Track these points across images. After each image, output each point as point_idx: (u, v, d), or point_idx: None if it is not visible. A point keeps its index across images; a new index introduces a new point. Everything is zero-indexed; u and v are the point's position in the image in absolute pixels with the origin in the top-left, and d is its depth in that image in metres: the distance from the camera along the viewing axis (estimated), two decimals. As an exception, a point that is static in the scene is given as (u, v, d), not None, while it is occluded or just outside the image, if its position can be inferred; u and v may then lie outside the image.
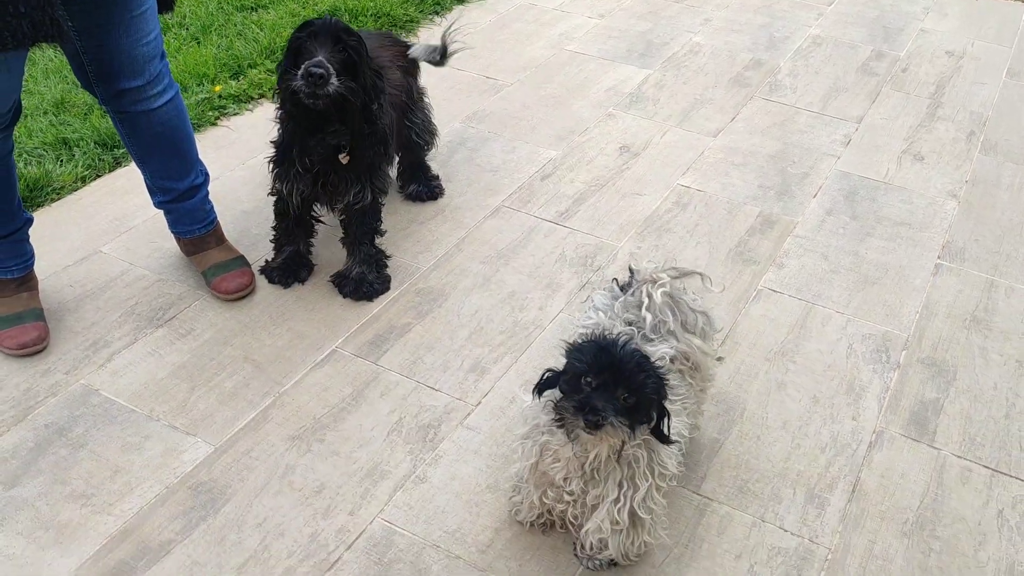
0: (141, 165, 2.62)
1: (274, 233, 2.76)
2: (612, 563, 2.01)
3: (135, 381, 2.41)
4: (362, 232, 2.68)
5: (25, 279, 2.55)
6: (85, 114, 3.42)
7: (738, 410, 2.44)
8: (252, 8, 4.25)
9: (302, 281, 2.76)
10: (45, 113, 3.43)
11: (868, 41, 4.44)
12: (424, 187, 3.13)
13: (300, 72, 2.26)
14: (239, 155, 3.35)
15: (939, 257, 3.03)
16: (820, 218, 3.19)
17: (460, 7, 4.54)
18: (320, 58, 2.26)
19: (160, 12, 2.41)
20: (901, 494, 2.24)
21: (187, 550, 2.01)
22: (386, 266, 2.80)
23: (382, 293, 2.74)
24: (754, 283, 2.88)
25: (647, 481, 1.81)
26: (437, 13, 4.44)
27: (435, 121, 3.13)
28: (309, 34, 2.32)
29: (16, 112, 2.29)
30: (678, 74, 4.04)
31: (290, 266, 2.75)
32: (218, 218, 2.81)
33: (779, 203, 3.25)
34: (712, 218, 3.15)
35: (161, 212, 2.75)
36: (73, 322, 2.59)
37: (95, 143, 3.28)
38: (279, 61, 2.50)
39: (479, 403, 2.41)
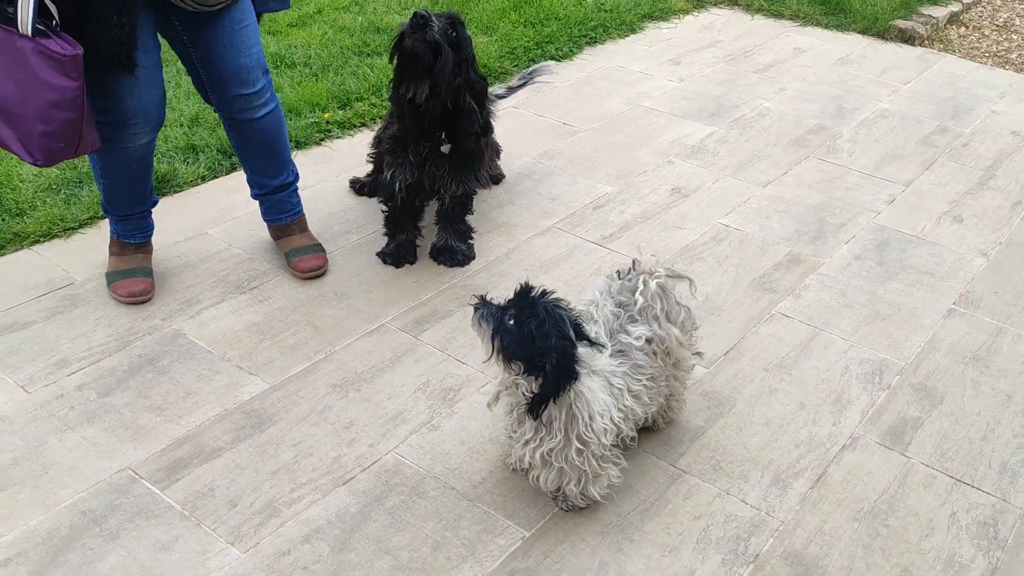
0: (243, 162, 3.15)
1: (385, 224, 3.25)
2: (575, 505, 2.31)
3: (216, 331, 2.89)
4: (456, 214, 3.17)
5: (143, 245, 3.09)
6: (213, 128, 4.03)
7: (727, 406, 2.71)
8: (368, 54, 4.84)
9: (411, 263, 3.23)
10: (181, 125, 4.05)
11: (935, 117, 4.66)
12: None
13: (409, 20, 2.68)
14: (335, 170, 3.87)
15: (954, 303, 3.23)
16: (847, 261, 3.43)
17: (553, 64, 5.01)
18: (426, 11, 2.71)
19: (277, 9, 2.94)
20: (862, 488, 2.46)
21: (233, 456, 2.44)
22: (472, 240, 3.27)
23: (471, 261, 3.23)
24: (769, 308, 3.15)
25: (560, 434, 2.12)
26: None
27: (502, 160, 3.55)
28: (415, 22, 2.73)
29: (159, 122, 2.81)
30: (742, 132, 4.38)
31: (399, 252, 3.23)
32: (305, 214, 3.30)
33: (811, 246, 3.52)
34: (744, 252, 3.45)
35: (256, 202, 3.26)
36: (175, 283, 3.10)
37: (217, 150, 3.87)
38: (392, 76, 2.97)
39: (497, 376, 2.77)
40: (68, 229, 3.34)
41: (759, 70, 5.06)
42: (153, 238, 3.16)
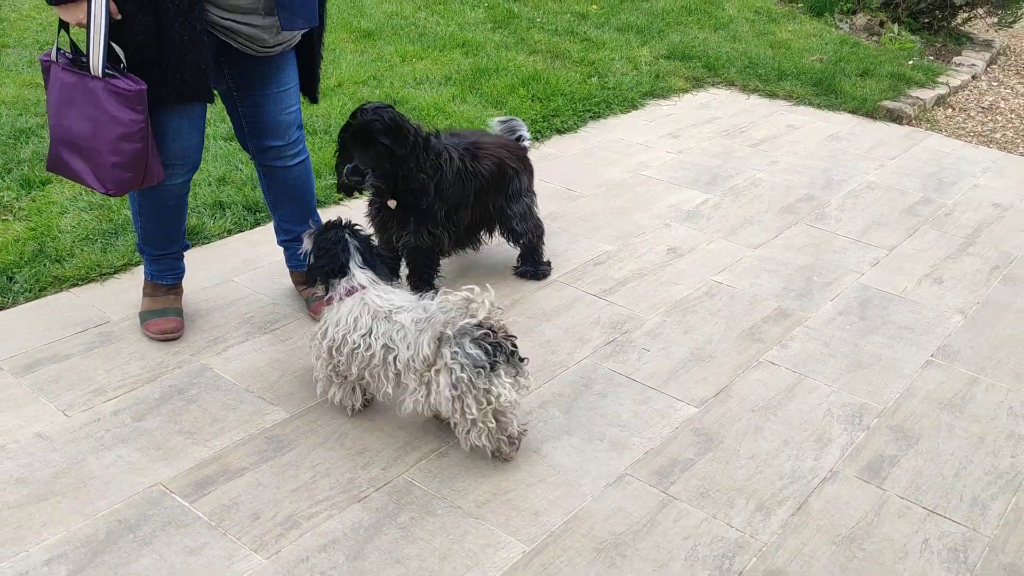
0: (272, 210, 3.42)
1: None
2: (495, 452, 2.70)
3: (240, 366, 3.11)
4: (414, 270, 3.40)
5: (174, 287, 3.33)
6: (239, 187, 4.31)
7: (716, 442, 2.91)
8: (385, 123, 5.16)
9: None
10: (209, 184, 4.34)
11: (920, 190, 4.93)
12: (531, 268, 3.78)
13: (343, 174, 3.04)
14: (352, 227, 4.13)
15: (932, 355, 3.44)
16: (831, 316, 3.66)
17: (557, 136, 5.33)
18: (354, 164, 3.02)
19: (313, 101, 3.23)
20: (840, 516, 2.64)
21: (256, 475, 2.64)
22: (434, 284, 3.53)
23: None
24: (757, 356, 3.36)
25: (322, 325, 2.81)
26: (537, 139, 5.23)
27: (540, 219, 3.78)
28: (351, 135, 3.05)
29: (195, 165, 3.08)
30: (735, 200, 4.65)
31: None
32: (325, 262, 3.55)
33: (798, 301, 3.75)
34: (734, 306, 3.68)
35: (282, 250, 3.52)
36: (203, 323, 3.33)
37: (243, 207, 4.14)
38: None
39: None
40: (104, 274, 3.58)
41: (753, 144, 5.37)
42: (184, 282, 3.40)
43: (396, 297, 2.74)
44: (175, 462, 2.67)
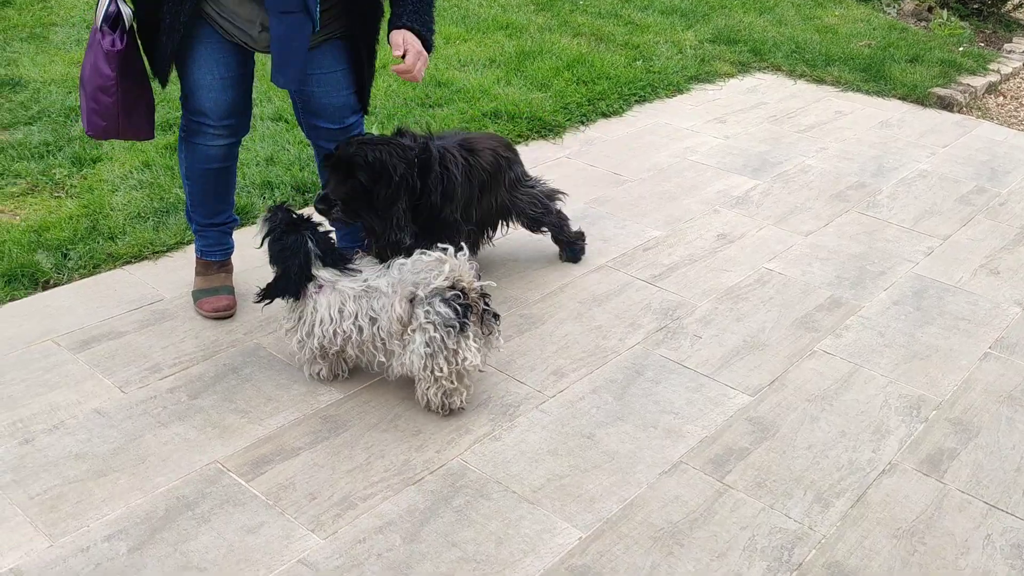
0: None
1: None
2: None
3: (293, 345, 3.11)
4: None
5: (224, 264, 3.34)
6: (287, 167, 4.31)
7: (771, 431, 2.87)
8: (430, 105, 5.15)
9: None
10: (258, 164, 4.34)
11: (973, 178, 4.84)
12: (567, 251, 3.74)
13: (315, 201, 3.04)
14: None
15: (990, 347, 3.38)
16: (886, 306, 3.60)
17: (603, 120, 5.29)
18: (325, 193, 3.00)
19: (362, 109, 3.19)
20: (900, 509, 2.60)
21: (311, 455, 2.64)
22: None
23: None
24: (811, 345, 3.32)
25: (302, 327, 2.86)
26: (583, 123, 5.19)
27: (560, 200, 3.73)
28: (331, 164, 3.01)
29: (235, 130, 3.08)
30: (784, 186, 4.59)
31: None
32: (375, 244, 3.54)
33: (851, 290, 3.69)
34: (787, 294, 3.63)
35: (332, 230, 3.50)
36: (260, 304, 3.34)
37: (292, 187, 4.14)
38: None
39: (554, 396, 2.97)
40: (156, 252, 3.60)
41: (801, 130, 5.29)
42: (234, 263, 3.40)
43: (366, 272, 2.82)
44: (231, 440, 2.68)
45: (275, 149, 4.47)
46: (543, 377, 3.04)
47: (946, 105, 5.83)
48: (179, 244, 3.65)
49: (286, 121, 4.72)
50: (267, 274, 2.91)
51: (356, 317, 2.73)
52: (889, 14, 7.59)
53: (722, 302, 3.55)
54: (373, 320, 2.72)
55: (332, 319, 2.74)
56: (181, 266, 3.51)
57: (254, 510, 2.44)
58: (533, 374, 3.05)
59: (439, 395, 2.75)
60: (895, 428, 2.92)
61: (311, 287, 2.79)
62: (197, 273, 3.32)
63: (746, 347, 3.28)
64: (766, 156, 4.92)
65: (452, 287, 2.64)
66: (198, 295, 3.26)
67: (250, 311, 3.28)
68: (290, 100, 3.23)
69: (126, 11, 2.82)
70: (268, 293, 2.84)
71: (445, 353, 2.64)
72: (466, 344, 2.66)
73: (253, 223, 3.88)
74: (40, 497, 2.44)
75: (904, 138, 5.28)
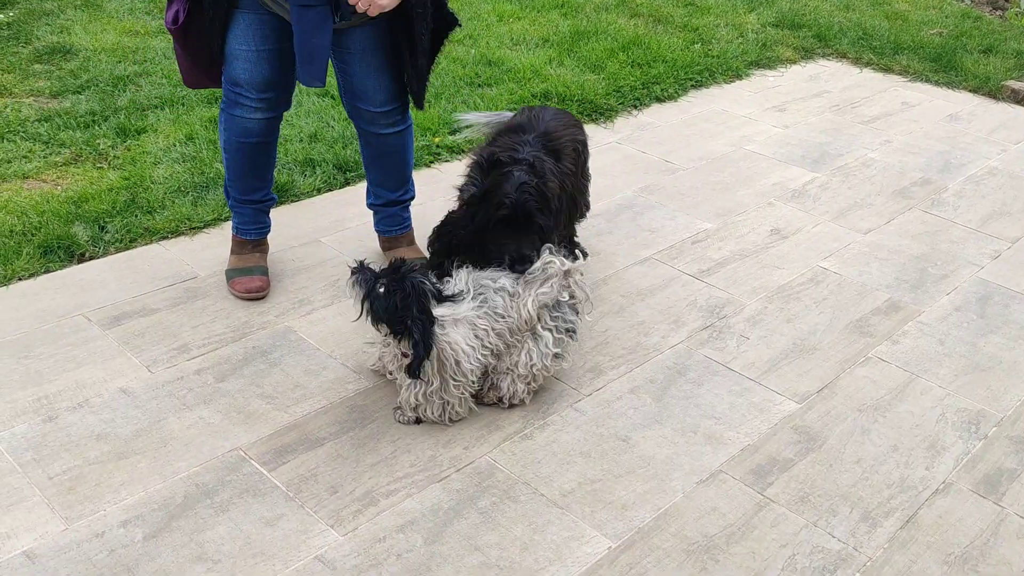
0: (366, 169, 3.32)
1: None
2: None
3: (324, 330, 3.04)
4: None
5: (259, 243, 3.27)
6: (330, 145, 4.23)
7: (818, 442, 2.72)
8: (479, 85, 5.02)
9: None
10: (301, 141, 4.27)
11: (1046, 178, 4.58)
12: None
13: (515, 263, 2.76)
14: (442, 190, 4.01)
15: (1058, 361, 3.18)
16: (947, 312, 3.41)
17: (657, 105, 5.12)
18: (522, 252, 2.76)
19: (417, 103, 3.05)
20: (954, 533, 2.44)
21: (335, 446, 2.56)
22: None
23: None
24: (865, 351, 3.15)
25: (435, 380, 2.57)
26: (635, 107, 5.03)
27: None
28: (502, 219, 2.79)
29: (275, 104, 3.00)
30: (844, 180, 4.39)
31: None
32: (412, 227, 3.45)
33: (911, 294, 3.50)
34: (842, 296, 3.46)
35: (371, 212, 3.42)
36: (288, 284, 3.27)
37: (334, 166, 4.06)
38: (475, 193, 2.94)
39: (591, 394, 2.85)
40: (193, 228, 3.55)
41: (865, 121, 5.06)
42: (270, 242, 3.34)
43: (464, 288, 2.64)
44: (255, 427, 2.61)
45: (319, 126, 4.39)
46: (579, 374, 2.93)
47: (1020, 99, 5.55)
48: (217, 220, 3.59)
49: (332, 97, 4.64)
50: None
51: (489, 333, 2.59)
52: (964, 1, 7.26)
53: (772, 301, 3.39)
54: (502, 317, 2.61)
55: (475, 347, 2.55)
56: (218, 243, 3.45)
57: (274, 501, 2.37)
58: (569, 371, 2.93)
59: (527, 389, 2.73)
60: (951, 444, 2.75)
61: (437, 330, 2.49)
62: (232, 251, 3.26)
63: (795, 350, 3.12)
64: (826, 148, 4.72)
65: (572, 296, 2.70)
66: (231, 274, 3.20)
67: (282, 293, 3.21)
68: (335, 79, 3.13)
69: None
70: (417, 366, 2.47)
71: (562, 351, 2.72)
72: (572, 343, 2.76)
73: (293, 201, 3.82)
74: (59, 478, 2.40)
75: (974, 133, 5.03)
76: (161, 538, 2.25)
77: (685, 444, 2.67)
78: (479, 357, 2.57)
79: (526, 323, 2.62)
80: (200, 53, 2.92)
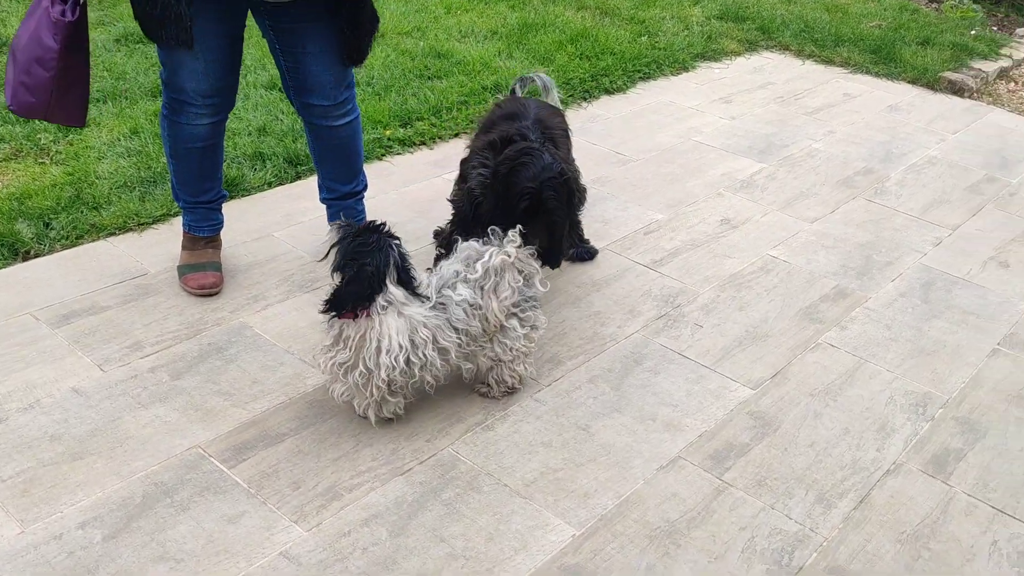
0: (317, 165, 3.29)
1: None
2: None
3: (280, 325, 3.01)
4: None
5: (212, 240, 3.22)
6: (280, 138, 4.18)
7: (772, 427, 2.78)
8: (429, 77, 5.00)
9: None
10: (250, 134, 4.21)
11: (983, 167, 4.72)
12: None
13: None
14: (394, 184, 4.00)
15: (999, 344, 3.28)
16: (893, 297, 3.50)
17: (606, 97, 5.15)
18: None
19: (353, 64, 3.01)
20: (905, 512, 2.52)
21: (296, 442, 2.54)
22: None
23: None
24: (815, 338, 3.22)
25: (351, 353, 2.47)
26: (585, 99, 5.06)
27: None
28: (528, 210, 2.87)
29: (221, 108, 2.95)
30: (791, 170, 4.47)
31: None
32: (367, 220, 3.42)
33: (857, 280, 3.59)
34: (791, 283, 3.53)
35: (324, 207, 3.39)
36: (242, 279, 3.23)
37: (283, 159, 4.02)
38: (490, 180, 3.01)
39: (550, 384, 2.87)
40: (142, 224, 3.49)
41: (809, 112, 5.16)
42: (222, 238, 3.29)
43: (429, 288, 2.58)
44: (213, 424, 2.58)
45: (268, 119, 4.34)
46: (538, 364, 2.94)
47: (956, 90, 5.71)
48: (165, 216, 3.53)
49: (280, 90, 4.58)
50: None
51: (433, 341, 2.46)
52: (900, -5, 7.42)
53: (724, 290, 3.45)
54: (460, 331, 2.52)
55: (403, 347, 2.40)
56: (167, 239, 3.40)
57: (235, 498, 2.35)
58: (528, 361, 2.94)
59: (515, 373, 2.73)
60: (900, 426, 2.83)
61: (379, 300, 2.39)
62: (183, 247, 3.21)
63: (748, 338, 3.18)
64: (772, 138, 4.80)
65: (522, 272, 2.64)
66: (184, 270, 3.15)
67: (236, 288, 3.17)
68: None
69: None
70: (337, 302, 2.40)
71: (532, 324, 2.70)
72: (538, 312, 2.73)
73: (244, 195, 3.77)
74: (12, 480, 2.35)
75: (913, 123, 5.16)
76: (121, 539, 2.21)
77: (644, 432, 2.71)
78: (403, 361, 2.40)
79: (495, 327, 2.60)
80: (72, 67, 2.65)
